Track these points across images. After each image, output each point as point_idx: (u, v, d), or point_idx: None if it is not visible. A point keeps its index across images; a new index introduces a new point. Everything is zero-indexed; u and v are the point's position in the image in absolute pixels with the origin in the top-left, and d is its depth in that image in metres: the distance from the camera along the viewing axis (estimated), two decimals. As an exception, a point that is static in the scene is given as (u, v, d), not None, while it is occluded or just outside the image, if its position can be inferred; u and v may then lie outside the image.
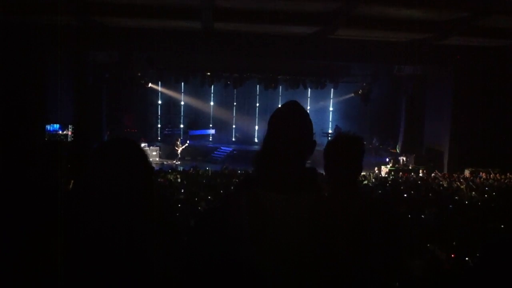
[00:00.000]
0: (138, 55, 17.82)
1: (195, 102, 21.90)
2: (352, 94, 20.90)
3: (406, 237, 4.68)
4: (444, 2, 11.20)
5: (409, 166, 17.19)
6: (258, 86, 21.26)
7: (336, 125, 21.57)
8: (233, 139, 22.73)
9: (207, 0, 11.21)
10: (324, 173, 2.39)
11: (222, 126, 22.83)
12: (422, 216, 7.45)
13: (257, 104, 22.82)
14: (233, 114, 22.83)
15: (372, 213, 2.21)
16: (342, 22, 12.45)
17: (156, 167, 14.48)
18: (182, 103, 22.16)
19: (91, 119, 16.80)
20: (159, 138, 21.82)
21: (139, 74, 18.61)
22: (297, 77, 19.62)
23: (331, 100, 22.71)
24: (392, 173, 16.06)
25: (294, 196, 1.76)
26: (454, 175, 14.64)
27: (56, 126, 14.82)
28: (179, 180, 11.65)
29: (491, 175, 14.27)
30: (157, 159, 18.85)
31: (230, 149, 20.58)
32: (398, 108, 20.86)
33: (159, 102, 21.97)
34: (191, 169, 14.52)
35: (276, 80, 19.74)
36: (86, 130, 15.76)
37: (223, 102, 22.65)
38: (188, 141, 19.90)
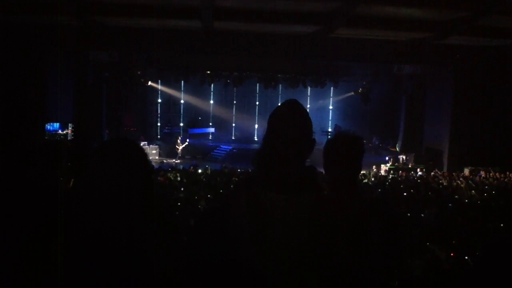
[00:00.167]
0: (138, 55, 17.82)
1: (195, 101, 21.88)
2: (352, 93, 20.93)
3: (406, 237, 4.68)
4: (444, 2, 11.19)
5: (408, 165, 17.20)
6: (258, 85, 21.25)
7: (336, 124, 21.58)
8: (233, 138, 22.74)
9: (207, 0, 11.21)
10: (323, 172, 2.39)
11: (222, 125, 22.83)
12: (422, 215, 7.45)
13: (257, 103, 22.84)
14: (233, 113, 22.83)
15: (372, 213, 2.20)
16: (342, 22, 12.45)
17: (155, 166, 14.48)
18: (182, 101, 22.14)
19: (91, 118, 16.80)
20: (158, 137, 21.81)
21: (139, 73, 18.60)
22: (297, 76, 19.62)
23: (331, 98, 22.73)
24: (392, 172, 16.08)
25: (294, 196, 1.76)
26: (453, 174, 14.65)
27: (56, 125, 14.82)
28: (178, 178, 11.64)
29: (491, 174, 14.28)
30: (157, 157, 18.84)
31: (230, 147, 20.58)
32: (398, 107, 20.88)
33: (159, 100, 21.96)
34: (191, 167, 14.52)
35: (276, 79, 19.75)
36: (86, 129, 15.76)
37: (223, 101, 22.66)
38: (188, 140, 19.89)
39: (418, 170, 16.19)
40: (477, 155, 15.34)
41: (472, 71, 15.37)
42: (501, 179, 13.60)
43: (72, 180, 3.36)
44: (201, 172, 13.39)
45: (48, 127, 14.58)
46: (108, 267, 1.66)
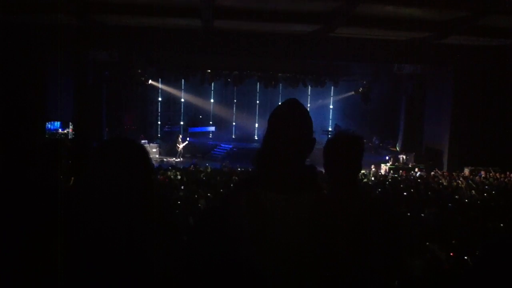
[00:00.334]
0: (138, 54, 17.81)
1: (195, 100, 21.88)
2: (353, 93, 20.93)
3: (406, 237, 4.68)
4: (444, 1, 11.19)
5: (409, 165, 17.21)
6: (258, 84, 21.25)
7: (336, 124, 21.60)
8: (233, 137, 22.74)
9: (207, -1, 11.21)
10: (323, 171, 2.39)
11: (222, 124, 22.83)
12: (422, 215, 7.45)
13: (257, 102, 22.84)
14: (233, 112, 22.83)
15: (372, 213, 2.20)
16: (342, 21, 12.43)
17: (155, 164, 14.48)
18: (182, 100, 22.15)
19: (91, 117, 16.81)
20: (159, 135, 21.82)
21: (139, 72, 18.61)
22: (297, 75, 19.63)
23: (331, 98, 22.73)
24: (391, 171, 16.10)
25: (294, 196, 1.76)
26: (453, 173, 14.65)
27: (57, 124, 14.83)
28: (179, 177, 11.64)
29: (491, 174, 14.28)
30: (157, 156, 18.85)
31: (230, 146, 20.58)
32: (398, 106, 20.88)
33: (159, 99, 21.96)
34: (192, 166, 14.53)
35: (276, 78, 19.75)
36: (86, 128, 15.76)
37: (223, 100, 22.66)
38: (188, 139, 19.90)
39: (417, 169, 16.19)
40: (477, 155, 15.34)
41: (472, 71, 15.37)
42: (501, 179, 13.61)
43: (72, 178, 3.36)
44: (201, 171, 13.41)
45: (49, 126, 14.59)
46: (108, 267, 1.66)
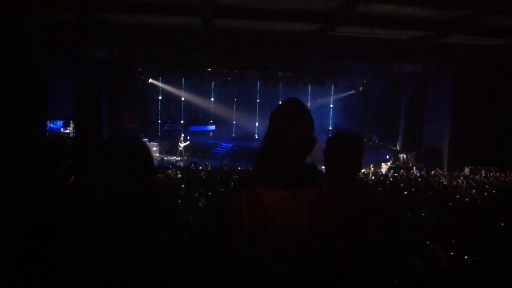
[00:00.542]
0: (138, 52, 17.79)
1: (195, 98, 21.88)
2: (353, 91, 20.93)
3: (406, 236, 4.68)
4: (444, 1, 11.18)
5: (409, 164, 17.20)
6: (258, 82, 21.24)
7: (336, 123, 21.60)
8: (233, 136, 22.73)
9: (208, -3, 11.21)
10: (324, 170, 2.39)
11: (222, 122, 22.83)
12: (422, 214, 7.44)
13: (258, 101, 22.85)
14: (233, 111, 22.84)
15: (372, 213, 2.20)
16: (342, 20, 12.42)
17: (155, 163, 14.44)
18: (183, 98, 22.14)
19: (91, 115, 16.78)
20: (159, 134, 21.81)
21: (139, 70, 18.60)
22: (297, 74, 19.62)
23: (332, 97, 22.73)
24: (392, 170, 16.09)
25: (294, 195, 1.76)
26: (454, 173, 14.65)
27: (60, 123, 14.84)
28: (179, 176, 11.63)
29: (491, 173, 14.28)
30: (157, 154, 18.84)
31: (230, 145, 20.59)
32: (398, 105, 20.86)
33: (159, 97, 21.96)
34: (192, 164, 14.53)
35: (276, 77, 19.75)
36: (86, 126, 15.74)
37: (224, 98, 22.66)
38: (188, 137, 19.90)
39: (415, 168, 16.18)
40: (477, 154, 15.33)
41: (472, 70, 15.34)
42: (501, 178, 13.60)
43: (73, 177, 3.36)
44: (201, 169, 13.40)
45: (51, 125, 14.59)
46: (108, 267, 1.65)
